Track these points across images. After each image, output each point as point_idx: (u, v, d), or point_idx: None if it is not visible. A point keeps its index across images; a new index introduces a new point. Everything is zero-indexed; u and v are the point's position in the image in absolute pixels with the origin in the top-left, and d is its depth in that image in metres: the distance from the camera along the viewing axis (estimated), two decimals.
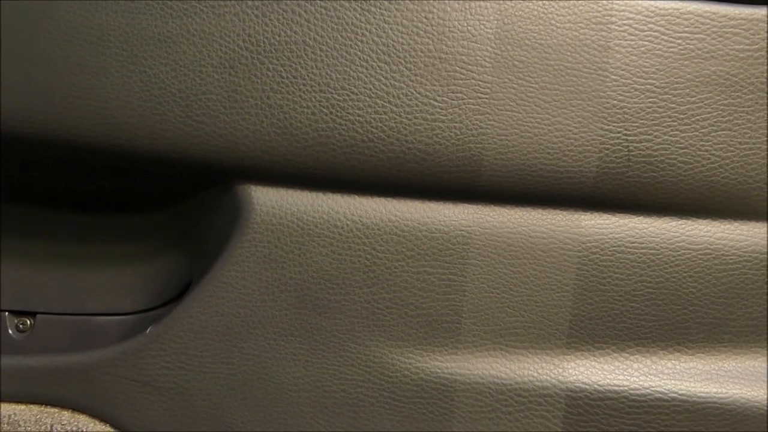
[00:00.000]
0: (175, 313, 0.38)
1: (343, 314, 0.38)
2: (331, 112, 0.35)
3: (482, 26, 0.35)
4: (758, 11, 0.37)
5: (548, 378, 0.39)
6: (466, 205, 0.38)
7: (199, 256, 0.40)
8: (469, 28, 0.35)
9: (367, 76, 0.35)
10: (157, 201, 0.42)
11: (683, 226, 0.39)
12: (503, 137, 0.36)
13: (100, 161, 0.38)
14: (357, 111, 0.35)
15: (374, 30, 0.35)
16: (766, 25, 0.37)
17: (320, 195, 0.37)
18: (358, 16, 0.35)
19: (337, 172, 0.36)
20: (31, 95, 0.35)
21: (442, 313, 0.38)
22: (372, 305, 0.38)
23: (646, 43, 0.36)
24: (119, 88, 0.35)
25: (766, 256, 0.39)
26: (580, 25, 0.36)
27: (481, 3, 0.35)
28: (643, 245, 0.39)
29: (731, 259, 0.39)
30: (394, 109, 0.36)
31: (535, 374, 0.39)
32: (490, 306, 0.38)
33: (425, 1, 0.35)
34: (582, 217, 0.38)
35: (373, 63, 0.35)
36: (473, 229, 0.38)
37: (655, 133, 0.37)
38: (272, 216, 0.37)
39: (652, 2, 0.36)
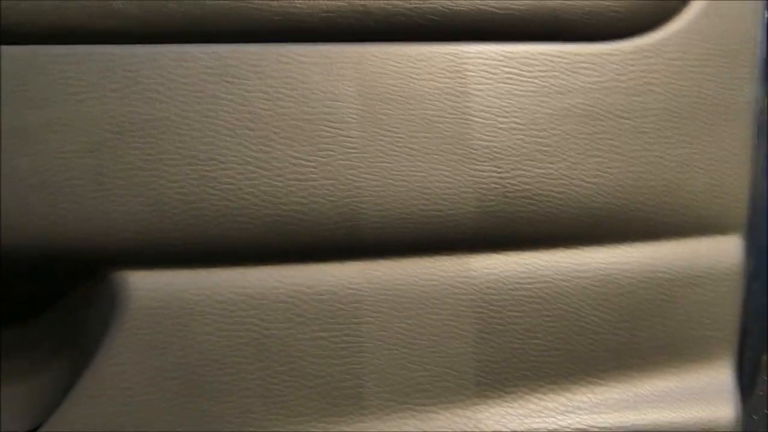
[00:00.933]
0: (50, 425, 0.35)
1: (235, 395, 0.36)
2: (201, 184, 0.35)
3: (343, 86, 0.36)
4: (604, 46, 0.39)
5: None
6: (352, 263, 0.37)
7: (80, 358, 0.38)
8: (330, 88, 0.36)
9: (234, 144, 0.35)
10: (30, 306, 0.40)
11: (573, 255, 0.39)
12: (378, 189, 0.36)
13: None
14: (227, 180, 0.35)
15: (237, 100, 0.35)
16: (614, 57, 0.39)
17: (201, 271, 0.36)
18: (219, 88, 0.35)
19: (215, 245, 0.35)
20: None
21: (342, 379, 0.37)
22: (266, 381, 0.36)
23: (502, 84, 0.37)
24: None
25: (659, 275, 0.40)
26: (437, 75, 0.37)
27: (340, 64, 0.36)
28: (536, 280, 0.38)
29: (626, 281, 0.39)
30: (265, 173, 0.35)
31: (449, 430, 0.37)
32: (392, 364, 0.37)
33: (285, 68, 0.35)
34: (471, 259, 0.38)
35: (239, 131, 0.35)
36: (363, 286, 0.37)
37: (526, 168, 0.37)
38: (151, 300, 0.35)
39: (503, 46, 0.38)
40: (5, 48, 0.34)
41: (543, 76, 0.38)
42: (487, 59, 0.37)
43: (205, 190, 0.35)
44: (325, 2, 0.36)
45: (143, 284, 0.36)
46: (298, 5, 0.35)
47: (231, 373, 0.36)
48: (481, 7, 0.37)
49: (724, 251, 0.41)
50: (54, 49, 0.34)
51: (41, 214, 0.34)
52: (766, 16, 0.43)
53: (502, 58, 0.38)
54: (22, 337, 0.40)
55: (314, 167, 0.36)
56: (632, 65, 0.39)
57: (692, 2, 0.40)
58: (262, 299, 0.36)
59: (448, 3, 0.37)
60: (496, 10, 0.37)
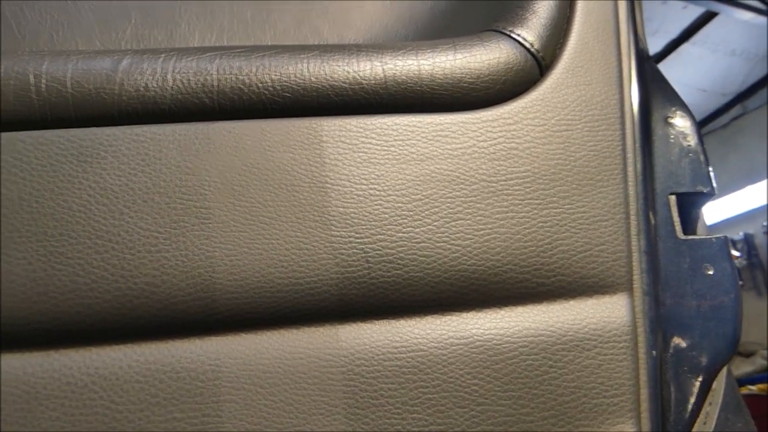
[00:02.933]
0: None
1: None
2: (49, 260, 0.35)
3: (198, 161, 0.37)
4: (462, 116, 0.40)
5: None
6: (211, 338, 0.36)
7: None
8: (185, 163, 0.37)
9: (85, 219, 0.35)
10: None
11: (448, 322, 0.38)
12: (233, 257, 0.36)
13: None
14: (77, 254, 0.35)
15: (91, 177, 0.36)
16: (474, 125, 0.40)
17: (51, 353, 0.35)
18: (74, 168, 0.36)
19: (63, 323, 0.34)
20: None
21: None
22: None
23: (360, 154, 0.38)
24: None
25: (543, 339, 0.38)
26: (292, 147, 0.38)
27: (194, 141, 0.37)
28: (410, 348, 0.37)
29: (507, 347, 0.37)
30: (115, 246, 0.35)
31: None
32: None
33: (141, 146, 0.37)
34: (339, 330, 0.37)
35: (91, 207, 0.35)
36: (223, 362, 0.35)
37: (388, 233, 0.37)
38: None
39: (359, 119, 0.39)
40: None
41: (401, 145, 0.39)
42: (344, 131, 0.39)
43: (52, 265, 0.35)
44: (178, 84, 0.38)
45: None
46: (152, 88, 0.37)
47: None
48: (333, 83, 0.39)
49: (612, 312, 0.39)
50: None
51: None
52: (627, 79, 0.45)
53: (359, 129, 0.39)
54: None
55: (165, 238, 0.35)
56: (493, 132, 0.40)
57: (549, 73, 0.42)
58: (114, 380, 0.34)
59: (301, 81, 0.39)
60: (347, 85, 0.39)
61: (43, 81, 0.37)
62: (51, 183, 0.36)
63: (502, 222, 0.39)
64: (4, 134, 0.36)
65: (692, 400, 0.42)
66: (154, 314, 0.35)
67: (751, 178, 4.71)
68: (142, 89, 0.37)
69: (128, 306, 0.35)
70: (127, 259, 0.35)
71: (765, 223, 4.56)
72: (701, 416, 0.43)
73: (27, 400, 0.34)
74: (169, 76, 0.38)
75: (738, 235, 4.76)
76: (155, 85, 0.37)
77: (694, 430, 0.43)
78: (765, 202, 4.57)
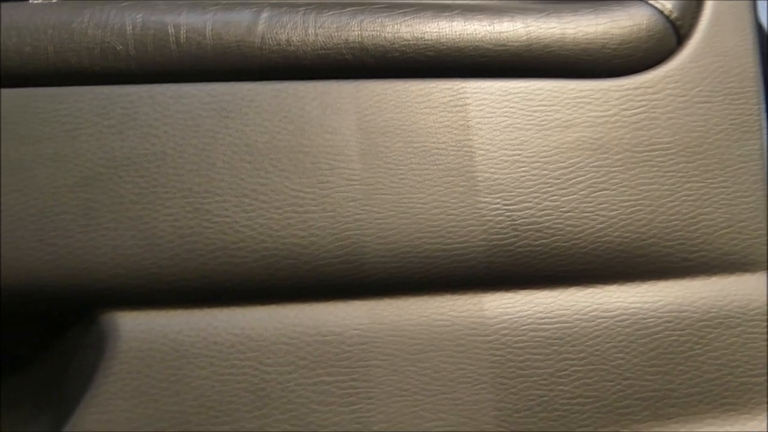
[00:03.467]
0: None
1: None
2: (196, 217, 0.34)
3: (342, 120, 0.36)
4: (604, 83, 0.39)
5: None
6: (357, 302, 0.35)
7: (62, 411, 0.34)
8: (329, 122, 0.35)
9: (231, 177, 0.34)
10: (11, 361, 0.37)
11: (591, 294, 0.37)
12: (381, 222, 0.35)
13: None
14: (223, 212, 0.34)
15: (234, 134, 0.35)
16: (615, 93, 0.39)
17: (195, 312, 0.34)
18: (216, 122, 0.35)
19: (210, 282, 0.33)
20: None
21: (349, 429, 0.33)
22: (266, 430, 0.33)
23: (504, 119, 0.37)
24: None
25: (688, 315, 0.37)
26: (437, 109, 0.37)
27: (338, 99, 0.36)
28: (555, 320, 0.36)
29: (653, 322, 0.36)
30: (262, 205, 0.34)
31: None
32: (404, 413, 0.34)
33: (283, 103, 0.35)
34: (483, 298, 0.36)
35: (236, 164, 0.34)
36: (370, 327, 0.34)
37: (535, 200, 0.36)
38: (142, 343, 0.33)
39: (502, 82, 0.38)
40: (4, 91, 0.34)
41: (545, 110, 0.37)
42: (487, 94, 0.37)
43: (199, 223, 0.34)
44: (321, 39, 0.36)
45: (134, 326, 0.33)
46: (294, 42, 0.36)
47: (228, 422, 0.32)
48: (477, 43, 0.37)
49: (754, 290, 0.38)
50: (50, 90, 0.35)
51: (30, 249, 0.33)
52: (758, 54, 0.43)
53: (502, 93, 0.37)
54: (5, 393, 0.37)
55: (313, 200, 0.34)
56: (634, 101, 0.39)
57: (687, 43, 0.41)
58: (261, 341, 0.34)
59: (444, 40, 0.37)
60: (491, 46, 0.38)
61: (183, 32, 0.36)
62: (194, 138, 0.34)
63: (646, 194, 0.37)
64: (145, 86, 0.35)
65: None
66: (301, 276, 0.34)
67: None
68: (284, 43, 0.36)
69: (275, 266, 0.34)
70: (274, 219, 0.34)
71: None
72: None
73: (176, 358, 0.33)
74: (311, 31, 0.36)
75: None
76: (297, 40, 0.36)
77: None
78: None
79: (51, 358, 0.36)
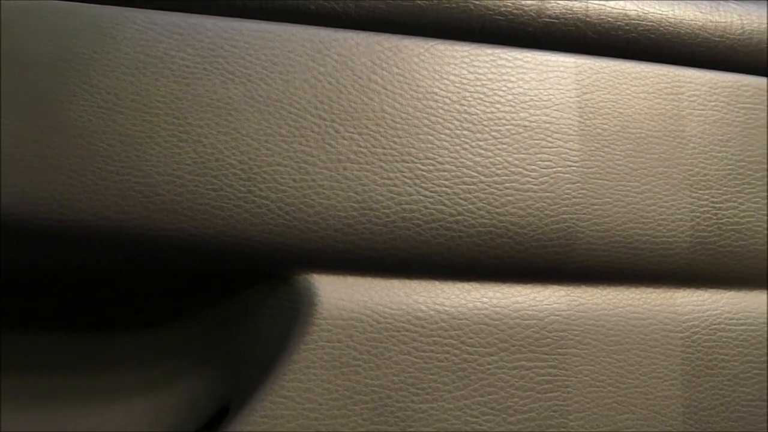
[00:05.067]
0: None
1: (430, 426, 0.31)
2: (415, 184, 0.31)
3: (562, 96, 0.34)
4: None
5: None
6: (556, 287, 0.34)
7: (241, 372, 0.33)
8: (550, 97, 0.33)
9: (451, 145, 0.32)
10: (183, 308, 0.35)
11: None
12: (597, 207, 0.33)
13: (137, 256, 0.31)
14: (443, 182, 0.32)
15: (454, 98, 0.32)
16: None
17: (395, 282, 0.32)
18: (437, 83, 0.32)
19: (422, 253, 0.32)
20: (56, 173, 0.29)
21: (546, 416, 0.32)
22: (465, 412, 0.32)
23: (714, 112, 0.36)
24: (167, 161, 0.30)
25: None
26: (653, 95, 0.35)
27: (559, 73, 0.34)
28: (741, 322, 0.35)
29: None
30: (483, 179, 0.32)
31: None
32: (599, 404, 0.33)
33: (502, 71, 0.33)
34: (676, 294, 0.35)
35: (457, 131, 0.32)
36: (569, 314, 0.33)
37: (738, 200, 0.35)
38: (342, 310, 0.31)
39: (714, 74, 0.36)
40: (209, 20, 0.31)
41: (751, 108, 0.36)
42: (699, 85, 0.36)
43: (418, 191, 0.31)
44: (551, 6, 0.34)
45: (334, 291, 0.31)
46: (525, 7, 0.34)
47: (428, 400, 0.31)
48: (698, 31, 0.36)
49: None
50: (260, 25, 0.31)
51: (237, 200, 0.30)
52: None
53: (713, 85, 0.36)
54: (167, 340, 0.35)
55: (533, 178, 0.33)
56: None
57: None
58: (462, 319, 0.32)
59: (666, 23, 0.35)
60: (710, 36, 0.36)
61: None
62: (413, 98, 0.32)
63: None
64: (360, 34, 0.32)
65: None
66: (512, 255, 0.33)
67: None
68: (510, 6, 0.34)
69: (489, 244, 0.32)
70: (494, 194, 0.32)
71: None
72: None
73: (378, 330, 0.31)
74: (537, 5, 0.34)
75: None
76: (525, 3, 0.34)
77: None
78: None
79: (222, 317, 0.34)
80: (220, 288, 0.34)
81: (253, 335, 0.33)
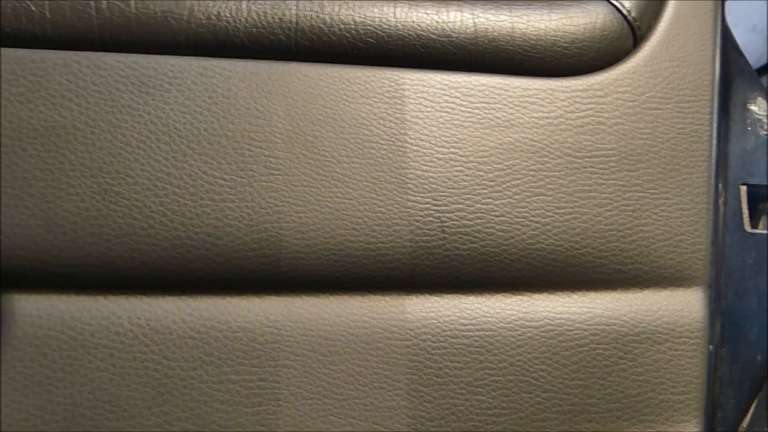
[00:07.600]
0: None
1: None
2: (103, 198, 0.32)
3: (270, 104, 0.34)
4: (552, 82, 0.37)
5: None
6: (272, 298, 0.33)
7: None
8: (256, 105, 0.33)
9: (144, 158, 0.32)
10: None
11: (519, 302, 0.35)
12: (302, 215, 0.33)
13: None
14: (134, 195, 0.32)
15: (153, 111, 0.32)
16: (562, 94, 0.37)
17: (99, 299, 0.32)
18: (134, 98, 0.32)
19: (115, 268, 0.32)
20: None
21: (252, 431, 0.32)
22: (164, 428, 0.31)
23: (443, 114, 0.35)
24: None
25: (615, 328, 0.36)
26: (373, 99, 0.35)
27: (268, 81, 0.34)
28: (478, 327, 0.35)
29: (578, 334, 0.35)
30: (176, 191, 0.32)
31: None
32: (311, 416, 0.32)
33: (209, 82, 0.33)
34: (406, 301, 0.34)
35: (152, 144, 0.32)
36: (283, 324, 0.33)
37: (466, 203, 0.35)
38: (38, 328, 0.31)
39: (443, 75, 0.36)
40: None
41: (486, 108, 0.36)
42: (427, 87, 0.35)
43: (106, 205, 0.31)
44: (254, 16, 0.34)
45: (32, 310, 0.31)
46: (224, 17, 0.34)
47: (125, 417, 0.31)
48: (420, 32, 0.35)
49: (685, 306, 0.37)
50: None
51: None
52: (719, 61, 0.42)
53: (442, 87, 0.36)
54: None
55: (231, 187, 0.32)
56: (582, 103, 0.37)
57: (643, 44, 0.39)
58: (167, 334, 0.32)
59: (386, 26, 0.35)
60: (435, 36, 0.36)
61: None
62: (108, 113, 0.32)
63: (584, 201, 0.36)
64: (60, 53, 0.32)
65: (742, 398, 0.41)
66: (214, 268, 0.32)
67: None
68: (213, 17, 0.34)
69: (186, 257, 0.32)
70: (188, 205, 0.32)
71: None
72: (748, 416, 0.42)
73: (73, 346, 0.31)
74: (243, 6, 0.34)
75: None
76: (228, 15, 0.34)
77: (740, 429, 0.42)
78: None
79: None
80: None
81: None
